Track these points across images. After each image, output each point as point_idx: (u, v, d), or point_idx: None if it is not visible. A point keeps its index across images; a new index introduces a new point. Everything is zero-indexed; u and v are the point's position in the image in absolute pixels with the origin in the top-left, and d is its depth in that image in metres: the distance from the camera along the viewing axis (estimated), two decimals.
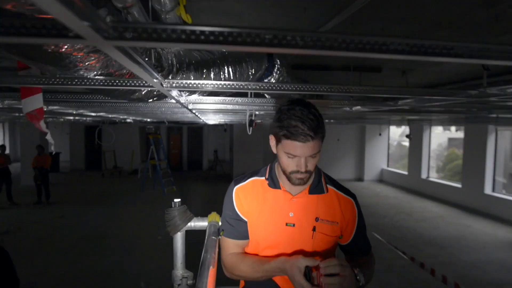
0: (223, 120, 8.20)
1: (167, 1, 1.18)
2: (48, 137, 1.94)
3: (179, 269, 1.44)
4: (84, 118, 7.66)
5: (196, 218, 1.47)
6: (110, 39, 0.57)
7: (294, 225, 1.22)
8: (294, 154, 1.12)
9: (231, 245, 1.29)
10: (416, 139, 10.22)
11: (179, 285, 1.39)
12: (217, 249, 1.22)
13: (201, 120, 7.50)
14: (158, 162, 10.12)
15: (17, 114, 5.55)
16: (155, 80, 1.41)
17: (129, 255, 5.16)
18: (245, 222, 1.27)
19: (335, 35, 0.67)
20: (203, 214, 1.46)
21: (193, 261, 1.43)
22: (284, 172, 1.20)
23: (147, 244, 5.66)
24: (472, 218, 7.76)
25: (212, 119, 7.64)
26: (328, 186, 1.30)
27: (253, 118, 3.16)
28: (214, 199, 9.16)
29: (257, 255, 1.30)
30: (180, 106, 2.88)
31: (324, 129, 1.12)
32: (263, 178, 1.30)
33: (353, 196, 1.32)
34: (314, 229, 1.22)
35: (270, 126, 1.23)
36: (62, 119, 8.32)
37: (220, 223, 1.35)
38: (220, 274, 1.20)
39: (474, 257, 5.36)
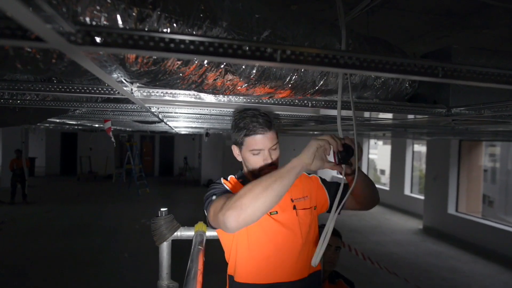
0: (191, 130, 9.27)
1: None
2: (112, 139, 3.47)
3: (165, 280, 1.41)
4: (66, 126, 8.57)
5: (183, 227, 1.45)
6: (77, 44, 0.52)
7: (277, 212, 1.28)
8: (258, 149, 1.25)
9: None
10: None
11: None
12: (202, 259, 1.20)
13: (173, 130, 8.66)
14: (134, 166, 11.33)
15: None
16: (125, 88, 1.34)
17: (113, 238, 6.45)
18: None
19: (276, 46, 0.61)
20: (174, 211, 1.47)
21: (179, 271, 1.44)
22: (253, 173, 1.29)
23: (126, 231, 6.95)
24: (393, 213, 9.65)
25: (181, 127, 8.78)
26: None
27: (208, 131, 4.63)
28: (183, 199, 10.55)
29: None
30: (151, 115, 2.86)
31: (274, 124, 1.28)
32: (238, 177, 1.39)
33: None
34: (294, 208, 1.32)
35: (231, 138, 1.36)
36: (42, 126, 9.13)
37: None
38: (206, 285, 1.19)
39: (381, 238, 7.11)
